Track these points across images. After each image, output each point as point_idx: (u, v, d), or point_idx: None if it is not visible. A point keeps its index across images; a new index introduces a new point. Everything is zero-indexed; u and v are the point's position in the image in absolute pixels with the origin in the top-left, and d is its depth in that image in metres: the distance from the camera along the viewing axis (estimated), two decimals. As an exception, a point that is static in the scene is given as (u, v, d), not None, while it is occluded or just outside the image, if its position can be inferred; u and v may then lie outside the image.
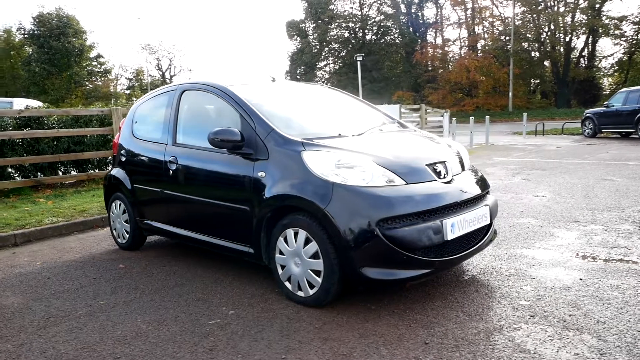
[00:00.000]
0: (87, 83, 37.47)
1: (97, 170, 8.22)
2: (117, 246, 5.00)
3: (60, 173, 7.98)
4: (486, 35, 44.00)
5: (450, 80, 40.99)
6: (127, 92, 49.68)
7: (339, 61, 53.03)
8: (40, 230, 5.53)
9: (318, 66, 52.80)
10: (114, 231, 5.06)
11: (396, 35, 50.30)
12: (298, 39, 53.68)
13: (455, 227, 3.09)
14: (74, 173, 8.09)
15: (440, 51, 46.26)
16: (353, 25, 51.29)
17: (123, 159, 4.80)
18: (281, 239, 3.24)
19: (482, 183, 3.63)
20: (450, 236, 3.05)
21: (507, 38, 39.89)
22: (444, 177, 3.31)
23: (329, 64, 52.14)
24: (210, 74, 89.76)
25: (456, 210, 3.20)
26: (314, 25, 52.18)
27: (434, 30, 48.70)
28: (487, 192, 3.67)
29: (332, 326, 2.89)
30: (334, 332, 2.80)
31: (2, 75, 37.27)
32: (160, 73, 53.94)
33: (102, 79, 41.04)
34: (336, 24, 51.23)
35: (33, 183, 7.25)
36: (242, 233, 3.50)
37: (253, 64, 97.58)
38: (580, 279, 3.49)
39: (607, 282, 3.40)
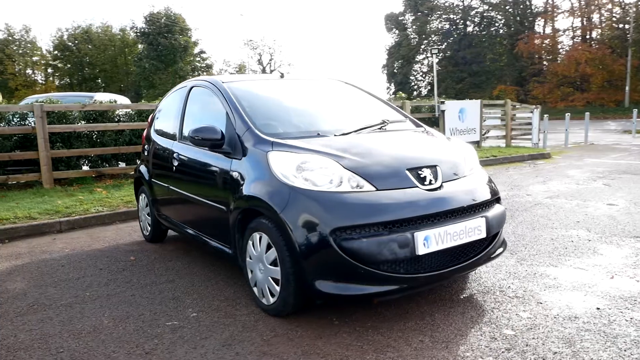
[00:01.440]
0: (190, 77, 39.79)
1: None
2: (143, 238, 5.16)
3: (124, 165, 8.47)
4: (602, 24, 39.95)
5: (557, 74, 37.84)
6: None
7: (440, 54, 51.27)
8: (84, 218, 5.89)
9: (416, 59, 51.48)
10: (140, 223, 5.24)
11: (500, 26, 47.49)
12: (396, 31, 52.76)
13: (430, 240, 2.73)
14: (122, 165, 8.50)
15: (549, 42, 42.84)
16: (454, 16, 49.26)
17: (145, 153, 4.94)
18: (250, 242, 3.10)
19: (485, 191, 3.20)
20: (423, 250, 2.70)
21: (626, 26, 35.91)
22: (430, 183, 2.94)
23: (428, 57, 50.53)
24: (308, 68, 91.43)
25: (436, 221, 2.84)
26: (413, 17, 50.92)
27: (543, 20, 45.22)
28: (492, 201, 3.23)
29: (281, 340, 2.69)
30: (278, 347, 2.61)
31: (117, 71, 40.96)
32: (261, 68, 55.86)
33: (204, 73, 43.51)
34: (436, 15, 49.54)
35: (95, 173, 7.79)
36: (223, 233, 3.41)
37: (351, 58, 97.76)
38: (598, 309, 2.95)
39: (628, 315, 2.84)
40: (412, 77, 52.09)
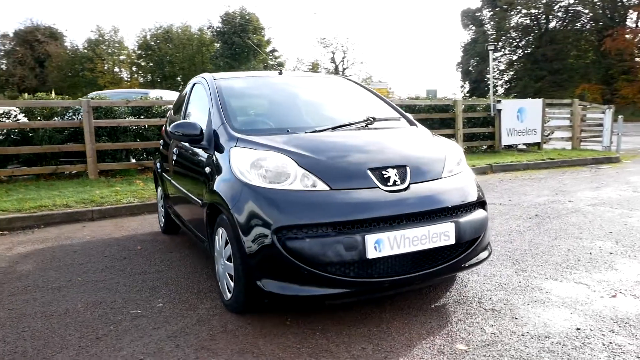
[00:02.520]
0: (261, 76, 40.97)
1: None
2: (160, 229, 5.36)
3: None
4: None
5: (649, 71, 34.73)
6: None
7: (519, 51, 48.86)
8: (115, 208, 6.21)
9: (492, 57, 49.35)
10: (157, 215, 5.45)
11: (587, 21, 44.32)
12: (473, 28, 50.87)
13: (384, 244, 2.60)
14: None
15: (642, 37, 39.36)
16: (535, 11, 46.62)
17: (160, 147, 5.13)
18: (216, 237, 3.12)
19: (462, 195, 2.99)
20: (373, 254, 2.58)
21: None
22: (394, 184, 2.80)
23: (505, 54, 48.34)
24: (379, 67, 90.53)
25: (395, 224, 2.70)
26: (491, 13, 48.81)
27: (636, 13, 41.62)
28: (471, 205, 3.02)
29: (227, 336, 2.68)
30: (219, 343, 2.60)
31: (195, 69, 42.76)
32: (334, 66, 56.12)
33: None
34: (516, 10, 47.15)
35: (138, 166, 8.19)
36: (201, 226, 3.46)
37: (425, 56, 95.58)
38: (577, 329, 2.67)
39: (608, 339, 2.55)
40: (488, 75, 49.99)
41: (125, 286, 3.53)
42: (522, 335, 2.61)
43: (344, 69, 56.23)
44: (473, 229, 2.93)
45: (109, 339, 2.69)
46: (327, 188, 2.71)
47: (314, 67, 54.28)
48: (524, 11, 46.74)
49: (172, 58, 42.82)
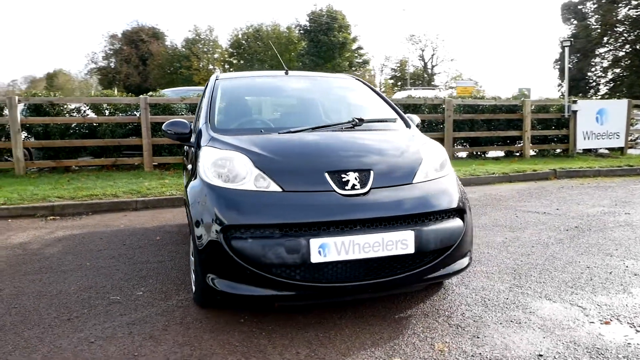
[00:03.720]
0: (346, 73, 41.04)
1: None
2: (188, 220, 5.63)
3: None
4: None
5: None
6: (391, 82, 52.43)
7: (626, 46, 44.67)
8: (157, 199, 6.60)
9: (595, 53, 45.53)
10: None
11: None
12: (575, 22, 47.27)
13: (329, 248, 2.55)
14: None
15: None
16: (649, 2, 42.27)
17: (186, 143, 5.37)
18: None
19: (431, 202, 2.84)
20: (318, 259, 2.54)
21: None
22: (353, 189, 2.74)
23: (611, 50, 44.39)
24: (470, 64, 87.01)
25: (347, 229, 2.63)
26: (596, 5, 45.05)
27: None
28: (443, 214, 2.86)
29: (178, 328, 2.78)
30: (168, 334, 2.70)
31: (282, 67, 43.98)
32: (423, 64, 54.98)
33: (361, 69, 44.39)
34: (624, 2, 43.10)
35: (182, 160, 8.65)
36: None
37: (519, 53, 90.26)
38: (540, 355, 2.45)
39: (566, 369, 2.31)
40: (589, 73, 46.27)
41: (122, 273, 3.76)
42: (472, 356, 2.44)
43: (432, 67, 54.87)
44: (440, 238, 2.78)
45: (77, 321, 2.90)
46: (280, 190, 2.71)
47: (402, 65, 53.51)
48: (634, 2, 42.62)
49: (260, 56, 44.27)
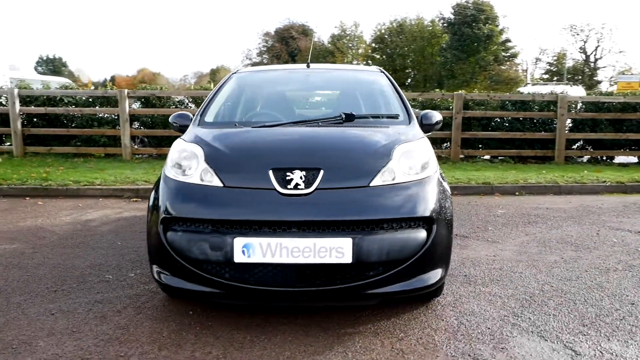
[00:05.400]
0: (490, 67, 38.53)
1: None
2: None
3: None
4: None
5: None
6: (546, 76, 48.02)
7: None
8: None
9: None
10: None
11: None
12: None
13: (254, 249, 2.44)
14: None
15: None
16: None
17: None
18: None
19: (391, 209, 2.54)
20: (241, 259, 2.45)
21: None
22: (295, 188, 2.57)
23: None
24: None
25: (279, 230, 2.48)
26: None
27: None
28: (401, 222, 2.55)
29: (131, 312, 2.90)
30: (121, 318, 2.83)
31: (424, 62, 42.84)
32: (584, 56, 49.35)
33: (507, 63, 41.21)
34: None
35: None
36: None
37: None
38: (467, 400, 2.07)
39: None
40: None
41: (136, 255, 4.02)
42: (385, 386, 2.14)
43: (596, 60, 48.92)
44: (386, 250, 2.48)
45: (61, 293, 3.18)
46: (221, 185, 2.65)
47: (560, 58, 48.63)
48: None
49: (402, 51, 43.72)
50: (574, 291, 3.29)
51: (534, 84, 29.81)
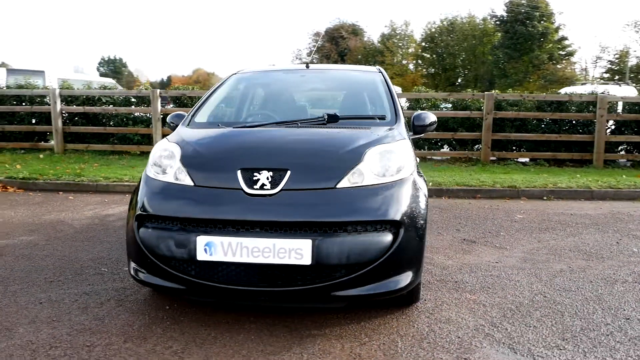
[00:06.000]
0: (544, 66, 36.95)
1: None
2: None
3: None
4: None
5: None
6: (607, 75, 45.63)
7: None
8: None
9: None
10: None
11: None
12: None
13: (215, 248, 2.49)
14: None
15: None
16: None
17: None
18: None
19: (354, 211, 2.52)
20: (204, 257, 2.50)
21: None
22: (262, 188, 2.59)
23: None
24: None
25: (242, 230, 2.52)
26: None
27: None
28: (365, 225, 2.52)
29: (108, 304, 3.01)
30: (96, 309, 2.95)
31: (475, 61, 41.76)
32: (651, 54, 46.44)
33: (563, 62, 39.33)
34: None
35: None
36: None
37: None
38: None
39: None
40: None
41: (114, 251, 4.10)
42: (329, 390, 2.13)
43: (666, 58, 45.87)
44: (347, 252, 2.46)
45: (56, 284, 3.35)
46: (192, 184, 2.71)
47: (622, 56, 46.08)
48: None
49: (452, 50, 42.82)
50: (567, 302, 3.13)
51: (592, 83, 28.41)
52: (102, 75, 68.10)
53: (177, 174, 2.79)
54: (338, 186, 2.62)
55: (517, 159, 9.24)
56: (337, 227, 2.50)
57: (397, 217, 2.57)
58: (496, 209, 6.09)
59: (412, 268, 2.65)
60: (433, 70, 47.49)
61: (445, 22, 44.38)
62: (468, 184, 7.07)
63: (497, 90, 9.23)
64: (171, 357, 2.40)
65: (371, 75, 3.95)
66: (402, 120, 3.35)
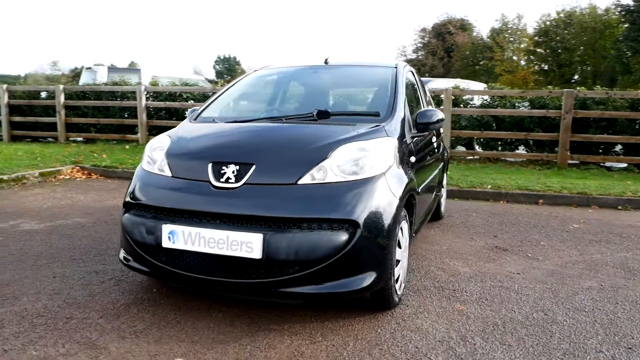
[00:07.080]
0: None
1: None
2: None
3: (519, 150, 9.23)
4: None
5: None
6: None
7: None
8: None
9: None
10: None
11: None
12: None
13: (177, 236, 2.63)
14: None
15: None
16: None
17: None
18: None
19: (309, 208, 2.52)
20: (167, 244, 2.65)
21: None
22: (227, 182, 2.68)
23: None
24: None
25: (204, 221, 2.63)
26: None
27: None
28: (318, 222, 2.51)
29: (96, 289, 3.26)
30: (86, 297, 3.22)
31: (594, 55, 38.08)
32: None
33: None
34: None
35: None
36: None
37: None
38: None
39: None
40: None
41: (107, 244, 4.28)
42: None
43: None
44: (295, 249, 2.46)
45: (75, 261, 3.71)
46: (169, 175, 2.87)
47: None
48: None
49: (568, 44, 39.52)
50: (568, 323, 2.83)
51: None
52: (217, 73, 72.48)
53: (162, 166, 2.96)
54: (299, 182, 2.61)
55: (603, 162, 8.35)
56: (291, 223, 2.50)
57: (353, 217, 2.50)
58: (554, 216, 5.59)
59: (374, 270, 2.58)
60: (546, 66, 44.23)
61: (562, 14, 41.05)
62: (531, 188, 6.56)
63: (583, 88, 8.36)
64: (129, 335, 2.57)
65: (385, 70, 3.83)
66: (398, 117, 3.22)
